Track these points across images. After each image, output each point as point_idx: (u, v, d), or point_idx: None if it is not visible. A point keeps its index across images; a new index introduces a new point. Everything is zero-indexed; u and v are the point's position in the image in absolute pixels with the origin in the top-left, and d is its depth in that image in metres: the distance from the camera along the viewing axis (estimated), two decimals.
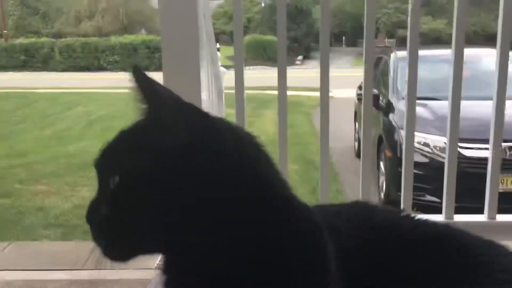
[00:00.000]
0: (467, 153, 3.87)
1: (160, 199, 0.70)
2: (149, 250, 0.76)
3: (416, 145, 4.25)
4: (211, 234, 0.70)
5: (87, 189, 4.93)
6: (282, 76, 1.68)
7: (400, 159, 5.00)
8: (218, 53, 2.57)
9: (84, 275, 3.40)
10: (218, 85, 2.46)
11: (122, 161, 0.73)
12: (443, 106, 4.12)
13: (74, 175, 5.64)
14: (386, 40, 23.76)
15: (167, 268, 0.79)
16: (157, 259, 1.31)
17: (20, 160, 6.38)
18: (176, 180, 0.70)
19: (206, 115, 0.76)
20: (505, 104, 1.68)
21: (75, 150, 6.87)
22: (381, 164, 4.87)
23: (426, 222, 0.92)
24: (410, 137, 1.71)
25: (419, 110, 4.62)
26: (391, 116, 4.87)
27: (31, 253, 3.80)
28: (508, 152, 3.88)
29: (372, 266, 0.80)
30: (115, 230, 0.73)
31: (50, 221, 4.37)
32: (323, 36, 1.65)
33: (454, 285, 0.79)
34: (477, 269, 0.81)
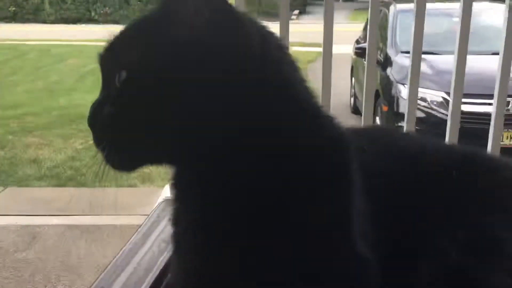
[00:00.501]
0: (464, 108, 3.85)
1: (172, 99, 0.63)
2: (155, 158, 0.70)
3: None
4: (226, 141, 0.63)
5: (80, 142, 4.90)
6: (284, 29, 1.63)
7: (397, 113, 5.01)
8: None
9: (81, 220, 3.44)
10: None
11: (131, 54, 0.65)
12: (443, 61, 4.11)
13: (66, 128, 5.60)
14: None
15: (176, 183, 0.72)
16: (153, 207, 1.30)
17: (12, 112, 6.31)
18: (190, 78, 0.62)
19: (230, 7, 0.66)
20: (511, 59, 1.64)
21: (67, 103, 6.79)
22: (377, 118, 4.86)
23: (449, 145, 0.89)
24: (414, 92, 1.67)
25: None
26: (388, 70, 4.81)
27: (27, 199, 3.83)
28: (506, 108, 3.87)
29: (396, 187, 0.75)
30: (119, 132, 0.66)
31: (44, 173, 4.37)
32: None
33: (486, 205, 0.74)
34: (504, 189, 0.77)
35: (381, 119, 4.70)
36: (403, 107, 2.24)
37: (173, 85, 0.63)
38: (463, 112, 3.76)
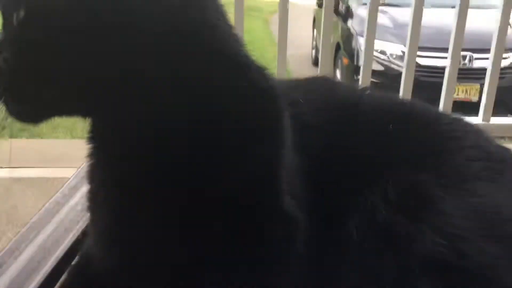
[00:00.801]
0: (422, 61, 3.91)
1: (78, 44, 0.55)
2: (64, 109, 0.62)
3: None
4: (144, 90, 0.58)
5: None
6: None
7: (357, 67, 5.02)
8: None
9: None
10: None
11: None
12: (403, 14, 4.11)
13: None
14: None
15: (92, 136, 0.66)
16: None
17: None
18: (96, 22, 0.55)
19: None
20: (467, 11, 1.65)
21: None
22: (337, 71, 4.87)
23: (391, 98, 0.85)
24: (370, 45, 1.67)
25: (379, 17, 4.58)
26: (349, 22, 4.80)
27: (36, 150, 3.71)
28: (461, 61, 3.94)
29: (330, 142, 0.73)
30: (18, 79, 0.58)
31: None
32: None
33: (421, 161, 0.72)
34: (445, 144, 0.75)
35: (341, 72, 4.72)
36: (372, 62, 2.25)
37: (79, 29, 0.56)
38: (421, 66, 3.88)
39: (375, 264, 0.63)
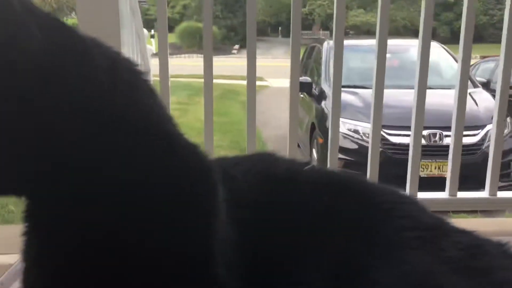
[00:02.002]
0: (394, 139, 4.01)
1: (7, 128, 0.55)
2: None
3: (346, 131, 4.39)
4: (75, 174, 0.59)
5: None
6: (208, 66, 1.65)
7: None
8: (145, 31, 2.53)
9: None
10: (145, 64, 2.41)
11: None
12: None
13: None
14: (320, 31, 24.24)
15: (28, 215, 0.66)
16: None
17: None
18: (26, 105, 0.55)
19: (71, 30, 0.61)
20: (425, 92, 1.74)
21: None
22: (314, 150, 4.96)
23: (328, 172, 0.88)
24: (336, 124, 1.73)
25: (350, 98, 4.78)
26: (323, 103, 4.96)
27: None
28: (432, 139, 4.06)
29: (266, 216, 0.74)
30: None
31: None
32: (250, 25, 1.64)
33: (354, 232, 0.73)
34: (377, 215, 0.76)
35: (317, 151, 4.81)
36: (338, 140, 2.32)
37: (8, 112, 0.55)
38: (393, 144, 3.97)
39: None
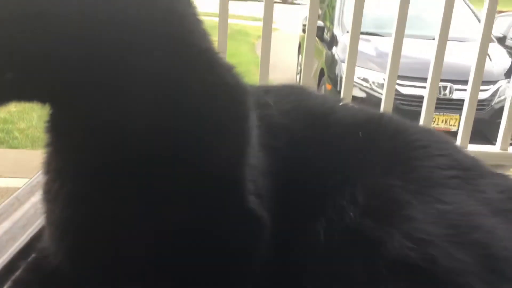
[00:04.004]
0: (403, 90, 3.97)
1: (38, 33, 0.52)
2: (22, 93, 0.57)
3: (356, 79, 4.33)
4: (107, 80, 0.56)
5: None
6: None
7: (339, 92, 5.08)
8: None
9: None
10: None
11: None
12: (386, 43, 4.19)
13: None
14: None
15: (50, 125, 0.64)
16: None
17: None
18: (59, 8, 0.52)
19: None
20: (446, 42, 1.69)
21: None
22: None
23: (362, 109, 0.86)
24: (351, 70, 1.70)
25: (362, 45, 4.65)
26: (334, 49, 4.87)
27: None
28: (442, 92, 4.01)
29: (299, 147, 0.72)
30: None
31: None
32: None
33: (389, 167, 0.71)
34: (414, 152, 0.75)
35: None
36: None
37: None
38: (402, 94, 3.94)
39: (343, 267, 0.62)
